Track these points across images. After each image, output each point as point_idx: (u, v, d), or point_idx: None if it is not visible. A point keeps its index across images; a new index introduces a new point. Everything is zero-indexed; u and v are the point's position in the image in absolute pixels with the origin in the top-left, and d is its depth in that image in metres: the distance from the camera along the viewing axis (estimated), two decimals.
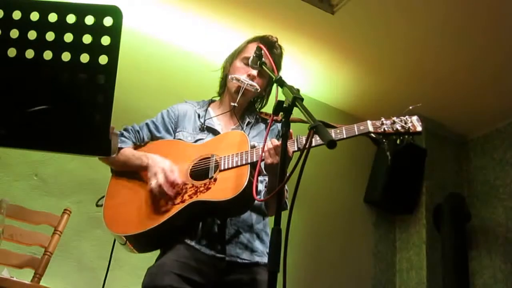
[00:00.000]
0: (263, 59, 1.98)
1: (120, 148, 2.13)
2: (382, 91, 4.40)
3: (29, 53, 1.19)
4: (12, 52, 1.18)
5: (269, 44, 2.24)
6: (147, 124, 2.27)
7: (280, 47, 2.29)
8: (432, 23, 3.70)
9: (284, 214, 1.41)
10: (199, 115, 2.29)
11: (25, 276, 2.59)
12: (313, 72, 4.27)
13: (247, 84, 2.18)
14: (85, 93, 1.20)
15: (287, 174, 1.40)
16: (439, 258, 4.36)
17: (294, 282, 3.83)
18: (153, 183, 2.00)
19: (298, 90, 1.53)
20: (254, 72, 2.19)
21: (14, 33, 1.18)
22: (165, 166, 2.03)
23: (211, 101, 2.40)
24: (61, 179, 3.34)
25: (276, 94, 1.63)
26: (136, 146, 2.22)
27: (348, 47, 4.00)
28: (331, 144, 1.22)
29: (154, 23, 3.89)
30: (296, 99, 1.45)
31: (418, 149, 4.56)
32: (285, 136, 1.46)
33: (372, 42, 3.92)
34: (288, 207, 1.77)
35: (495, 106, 4.45)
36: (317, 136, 1.89)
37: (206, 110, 2.32)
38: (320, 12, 3.64)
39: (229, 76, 2.26)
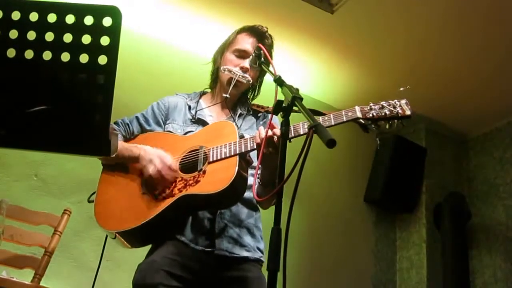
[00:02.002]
0: (262, 58, 1.97)
1: None
2: (381, 90, 4.38)
3: (29, 54, 1.18)
4: (11, 52, 1.18)
5: (260, 35, 2.24)
6: (137, 117, 2.26)
7: (271, 36, 2.27)
8: (431, 21, 3.69)
9: (284, 214, 1.41)
10: (189, 107, 2.28)
11: (25, 276, 2.59)
12: (312, 71, 4.27)
13: (239, 75, 2.17)
14: (84, 94, 1.20)
15: (287, 173, 1.39)
16: (439, 257, 4.36)
17: (294, 282, 3.83)
18: (150, 169, 2.00)
19: (297, 90, 1.53)
20: (247, 65, 2.19)
21: (14, 34, 1.18)
22: (159, 153, 2.05)
23: (203, 93, 2.39)
24: (61, 179, 3.34)
25: (276, 93, 1.63)
26: (126, 140, 2.22)
27: (347, 46, 4.00)
28: (330, 143, 1.21)
29: (152, 23, 3.88)
30: (295, 98, 1.45)
31: (418, 148, 4.56)
32: (284, 135, 1.45)
33: (372, 41, 3.92)
34: (287, 206, 1.76)
35: (495, 105, 4.45)
36: (296, 126, 1.89)
37: (198, 102, 2.31)
38: (319, 11, 3.64)
39: (221, 68, 2.24)
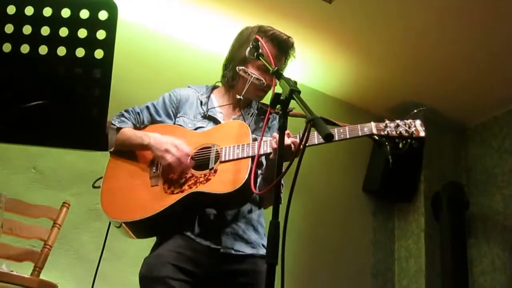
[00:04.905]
0: (260, 50, 1.95)
1: (120, 128, 2.11)
2: (379, 80, 4.39)
3: (25, 48, 1.18)
4: (7, 47, 1.18)
5: (286, 51, 2.20)
6: (147, 107, 2.24)
7: (294, 49, 2.24)
8: (430, 10, 3.68)
9: (282, 205, 1.41)
10: (201, 102, 2.25)
11: (25, 269, 2.59)
12: (310, 61, 4.25)
13: (254, 78, 2.13)
14: (81, 88, 1.20)
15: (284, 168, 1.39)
16: (437, 246, 4.38)
17: (293, 272, 3.85)
18: (168, 158, 2.00)
19: (295, 82, 1.52)
20: (269, 80, 2.12)
21: (9, 28, 1.18)
22: (173, 140, 2.04)
23: (214, 87, 2.35)
24: (59, 172, 3.34)
25: (273, 86, 1.62)
26: (136, 128, 2.20)
27: (345, 36, 3.99)
28: (328, 137, 1.21)
29: (152, 16, 3.86)
30: (293, 91, 1.44)
31: (416, 138, 4.55)
32: (282, 128, 1.45)
33: (369, 31, 3.90)
34: (286, 199, 1.76)
35: (493, 94, 4.44)
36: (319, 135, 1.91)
37: (209, 97, 2.28)
38: (317, 1, 3.62)
39: (237, 68, 2.18)
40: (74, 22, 1.18)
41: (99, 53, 1.18)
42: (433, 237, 4.41)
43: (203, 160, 2.04)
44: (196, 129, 2.17)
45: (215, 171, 1.98)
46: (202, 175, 1.99)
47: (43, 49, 1.18)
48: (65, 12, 1.18)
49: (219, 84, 2.34)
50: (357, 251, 4.41)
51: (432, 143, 4.64)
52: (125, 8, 3.71)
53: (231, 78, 2.23)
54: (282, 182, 2.05)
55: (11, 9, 1.18)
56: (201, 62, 3.95)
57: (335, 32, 3.94)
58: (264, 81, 2.14)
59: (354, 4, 3.66)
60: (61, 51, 1.18)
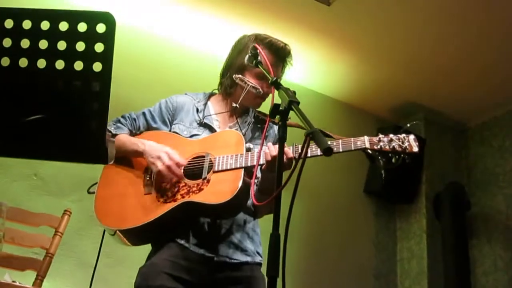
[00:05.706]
0: (258, 58, 1.94)
1: (116, 134, 2.13)
2: (379, 81, 4.39)
3: (23, 62, 1.18)
4: (5, 61, 1.18)
5: (284, 58, 2.20)
6: (143, 114, 2.24)
7: (291, 55, 2.23)
8: (429, 11, 3.67)
9: (283, 210, 1.40)
10: (197, 109, 2.25)
11: (28, 278, 2.59)
12: (309, 63, 4.25)
13: (251, 86, 2.13)
14: (80, 101, 1.20)
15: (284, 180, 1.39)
16: (439, 247, 4.37)
17: (296, 273, 3.85)
18: (159, 165, 2.00)
19: (294, 93, 1.52)
20: (266, 89, 2.13)
21: (7, 42, 1.18)
22: (166, 149, 2.04)
23: (211, 94, 2.35)
24: (60, 178, 3.33)
25: (273, 96, 1.62)
26: (132, 134, 2.21)
27: (344, 37, 3.98)
28: (327, 151, 1.21)
29: (151, 18, 3.86)
30: (292, 102, 1.43)
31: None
32: (282, 139, 1.44)
33: (369, 32, 3.90)
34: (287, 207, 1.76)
35: (494, 94, 4.44)
36: (313, 145, 1.92)
37: (205, 104, 2.27)
38: (316, 3, 3.62)
39: (234, 76, 2.17)
40: (72, 36, 1.18)
41: (97, 66, 1.18)
42: (435, 238, 4.41)
43: (196, 169, 2.04)
44: (191, 136, 2.17)
45: (208, 181, 1.98)
46: (195, 185, 1.99)
47: (41, 63, 1.18)
48: (63, 26, 1.18)
49: (216, 91, 2.34)
50: (359, 253, 4.41)
51: (433, 143, 4.64)
52: (123, 11, 3.71)
53: (228, 86, 2.22)
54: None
55: (9, 23, 1.18)
56: (200, 64, 3.94)
57: (335, 34, 3.94)
58: (260, 89, 2.14)
59: (352, 6, 3.66)
60: (60, 64, 1.18)
